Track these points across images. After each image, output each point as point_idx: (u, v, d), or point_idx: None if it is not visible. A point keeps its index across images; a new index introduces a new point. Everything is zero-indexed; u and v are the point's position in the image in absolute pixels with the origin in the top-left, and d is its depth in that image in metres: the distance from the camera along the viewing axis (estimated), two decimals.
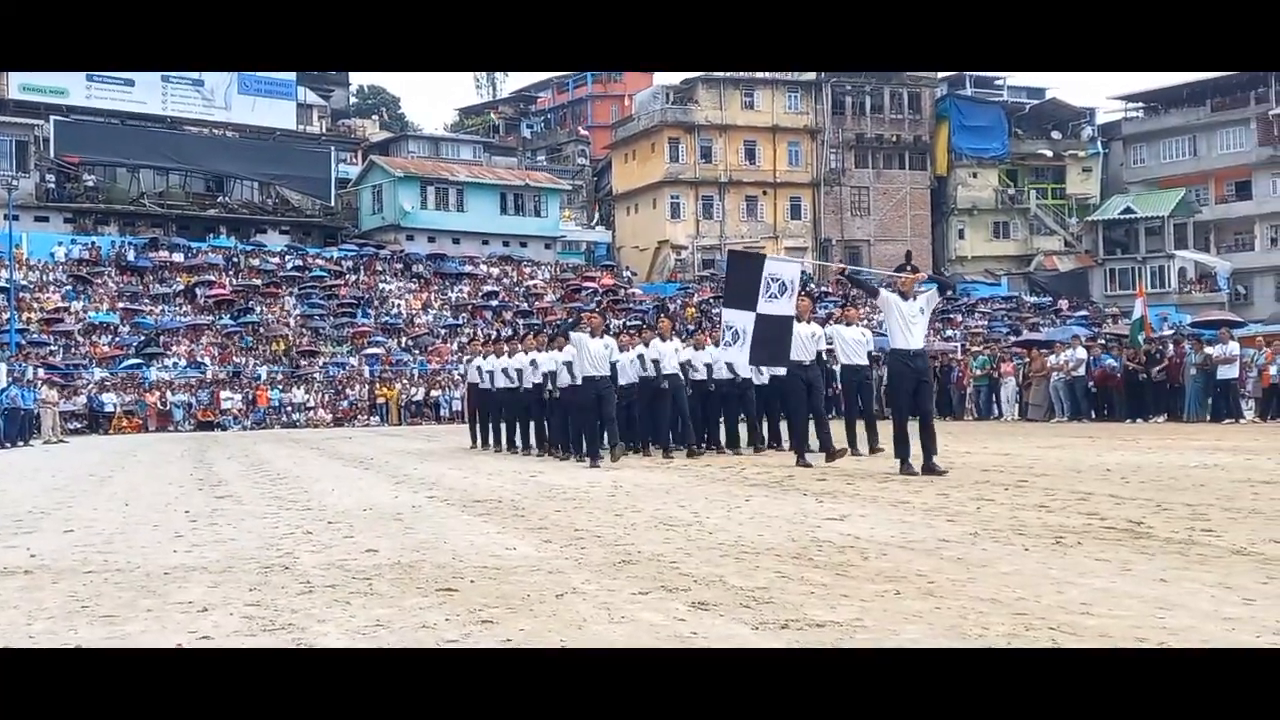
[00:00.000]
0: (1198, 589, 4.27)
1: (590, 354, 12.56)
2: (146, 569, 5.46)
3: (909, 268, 10.14)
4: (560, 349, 13.65)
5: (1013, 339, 37.99)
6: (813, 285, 40.61)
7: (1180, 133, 55.30)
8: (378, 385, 37.23)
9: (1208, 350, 20.71)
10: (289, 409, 35.48)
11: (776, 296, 10.68)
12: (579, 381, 12.81)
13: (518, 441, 15.98)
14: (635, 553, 5.55)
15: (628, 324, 19.23)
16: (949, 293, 12.43)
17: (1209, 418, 20.18)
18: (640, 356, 13.48)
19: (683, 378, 13.62)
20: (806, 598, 4.29)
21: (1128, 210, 54.18)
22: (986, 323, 47.56)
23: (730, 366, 13.45)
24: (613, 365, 12.98)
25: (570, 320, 16.07)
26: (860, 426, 13.26)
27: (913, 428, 9.85)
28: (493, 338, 19.31)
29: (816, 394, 12.07)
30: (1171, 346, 22.09)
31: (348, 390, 37.04)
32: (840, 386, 14.76)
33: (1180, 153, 55.38)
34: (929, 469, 9.54)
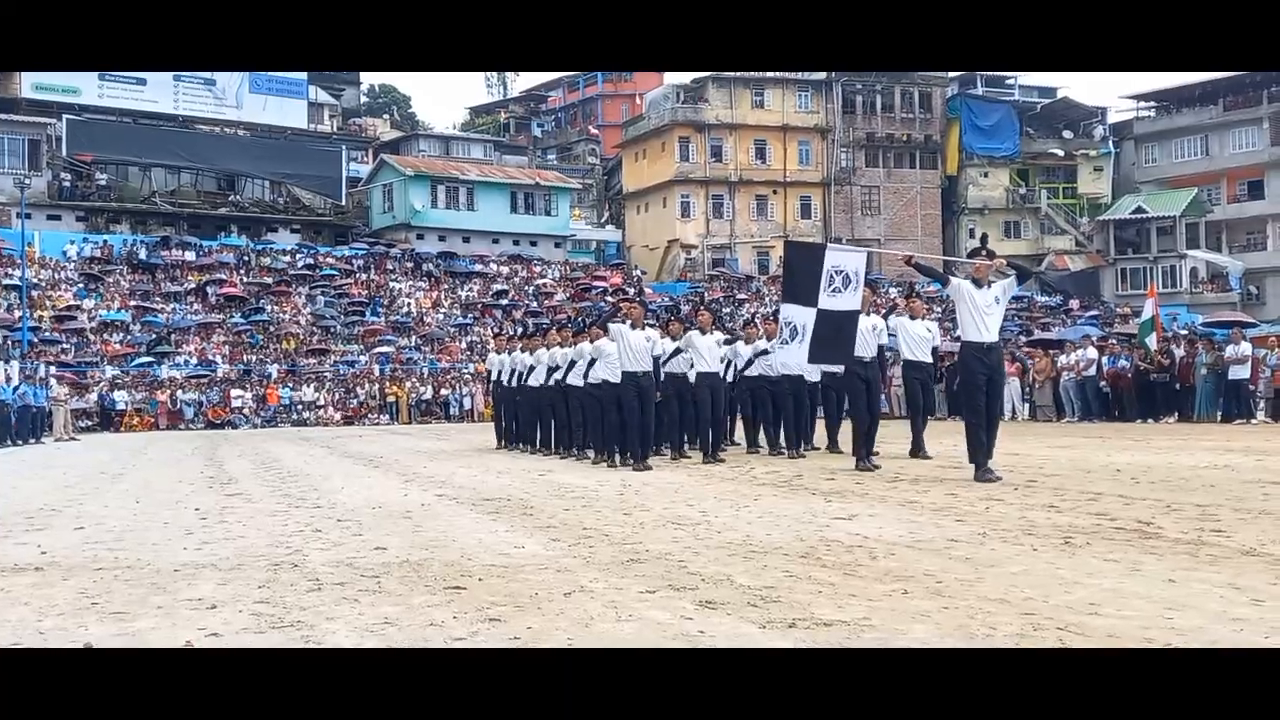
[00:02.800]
0: (1207, 590, 4.26)
1: (631, 347, 11.60)
2: (157, 566, 5.48)
3: (984, 252, 9.40)
4: (593, 340, 12.58)
5: (1024, 339, 37.88)
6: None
7: (1192, 132, 55.06)
8: (388, 384, 37.32)
9: (1219, 350, 20.66)
10: (299, 407, 35.57)
11: (840, 290, 9.95)
12: (613, 378, 11.88)
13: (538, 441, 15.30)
14: (643, 551, 5.56)
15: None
16: (1028, 281, 11.24)
17: (1220, 418, 20.12)
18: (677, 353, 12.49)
19: (722, 375, 12.86)
20: (814, 597, 4.29)
21: (1139, 210, 53.95)
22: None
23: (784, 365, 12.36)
24: (655, 359, 12.08)
25: (594, 314, 15.39)
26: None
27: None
28: (516, 334, 18.82)
29: (874, 393, 11.32)
30: (1184, 347, 21.99)
31: (358, 389, 37.12)
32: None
33: (1192, 152, 55.15)
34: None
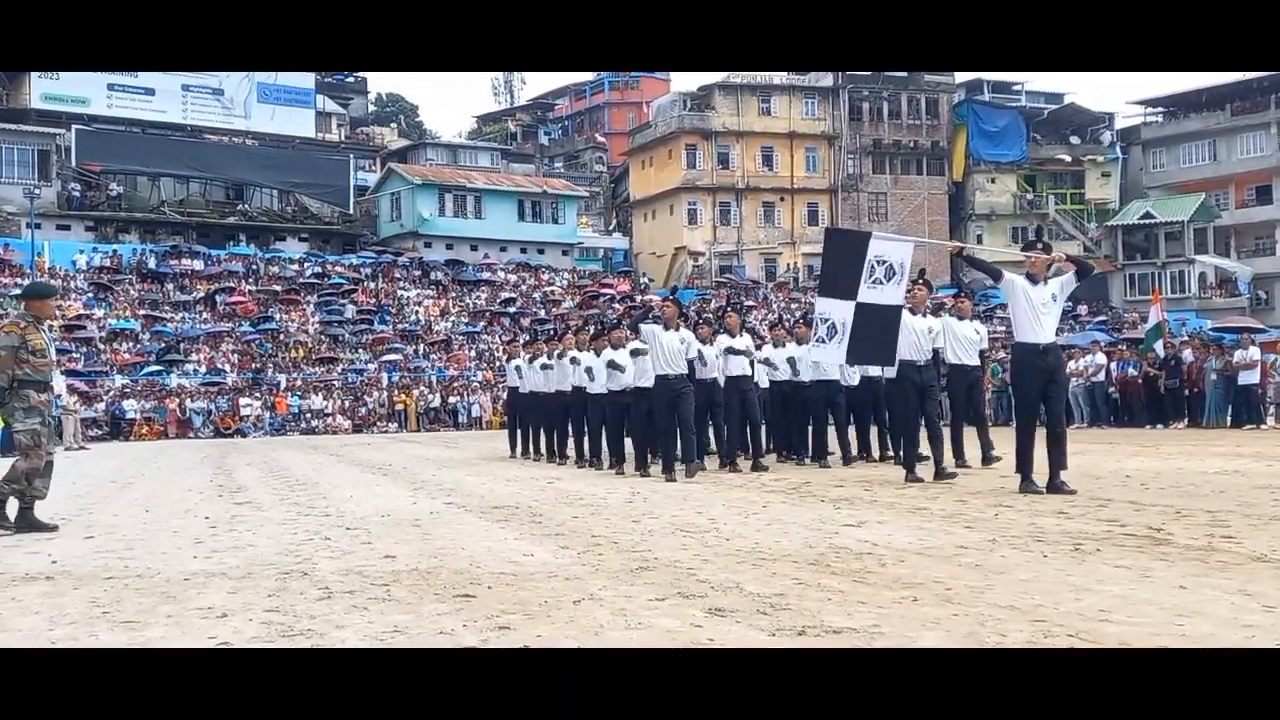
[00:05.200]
0: (1218, 596, 4.25)
1: (664, 349, 11.01)
2: (167, 575, 5.49)
3: (1040, 246, 8.77)
4: (618, 346, 12.10)
5: None
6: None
7: (1200, 137, 54.93)
8: (396, 392, 37.36)
9: (1229, 356, 20.61)
10: (308, 415, 35.63)
11: (882, 282, 9.10)
12: (641, 382, 11.35)
13: (550, 448, 14.92)
14: (652, 559, 5.55)
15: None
16: (1088, 277, 10.02)
17: (1230, 423, 20.05)
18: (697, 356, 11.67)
19: (753, 378, 12.34)
20: (824, 604, 4.29)
21: (1147, 215, 53.87)
22: (1005, 328, 47.32)
23: (818, 366, 12.00)
24: (690, 363, 11.38)
25: (623, 317, 14.60)
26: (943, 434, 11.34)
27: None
28: (532, 339, 18.23)
29: (929, 400, 10.42)
30: (1190, 354, 21.92)
31: (366, 397, 37.18)
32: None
33: (1200, 157, 55.02)
34: (1054, 487, 8.23)
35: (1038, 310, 8.38)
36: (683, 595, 4.55)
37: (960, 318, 11.59)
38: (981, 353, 12.16)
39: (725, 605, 4.31)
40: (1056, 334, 8.79)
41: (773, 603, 4.33)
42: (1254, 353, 20.30)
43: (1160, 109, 57.82)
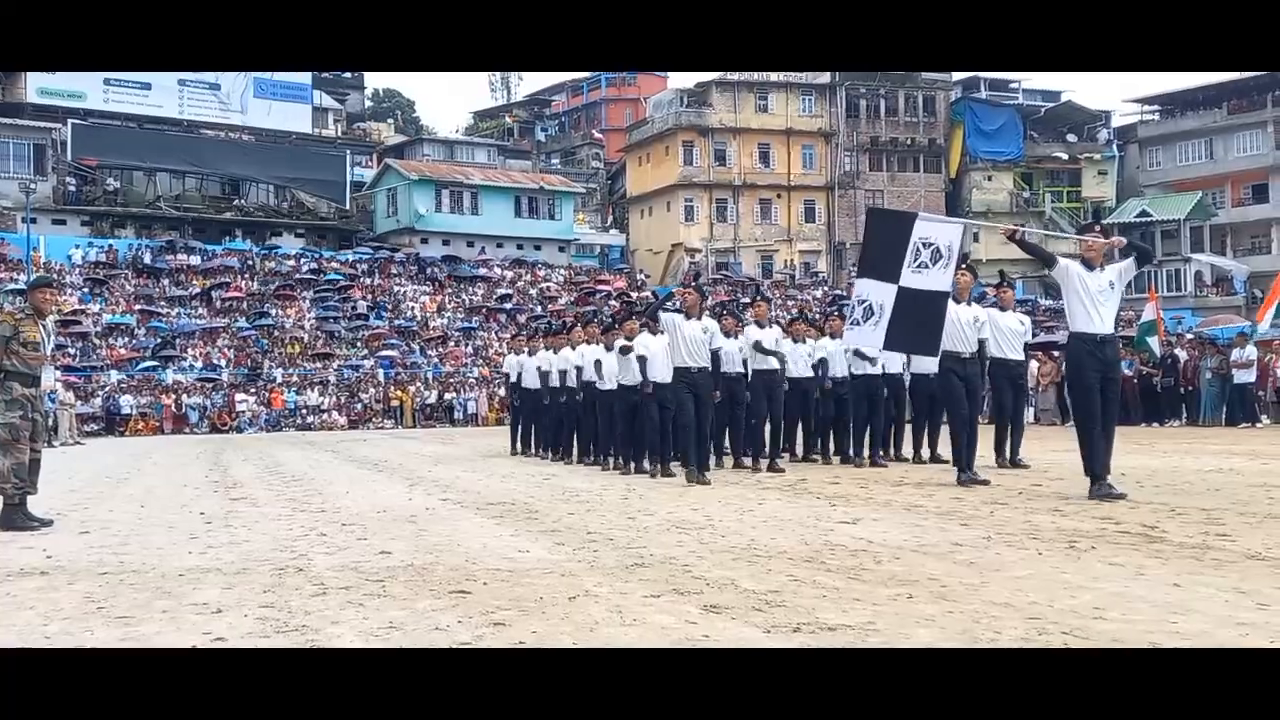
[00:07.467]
0: (1212, 594, 4.25)
1: (685, 340, 10.25)
2: (162, 570, 5.49)
3: (1097, 229, 8.26)
4: (631, 337, 11.26)
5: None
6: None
7: (1196, 135, 55.04)
8: (392, 388, 37.35)
9: (1224, 355, 20.64)
10: (304, 411, 35.61)
11: (928, 265, 8.51)
12: (658, 377, 10.72)
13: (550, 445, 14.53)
14: (647, 556, 5.56)
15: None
16: (1148, 264, 9.21)
17: (1225, 422, 20.08)
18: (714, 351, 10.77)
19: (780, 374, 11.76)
20: (819, 601, 4.29)
21: (1144, 213, 53.93)
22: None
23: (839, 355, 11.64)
24: (714, 354, 10.61)
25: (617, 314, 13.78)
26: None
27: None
28: (535, 332, 17.70)
29: (973, 397, 9.80)
30: (1184, 354, 21.93)
31: (362, 393, 37.16)
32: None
33: (1196, 155, 55.11)
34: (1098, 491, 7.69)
35: (1095, 298, 7.79)
36: (678, 592, 4.55)
37: (1003, 308, 10.91)
38: (1026, 345, 11.52)
39: (720, 602, 4.31)
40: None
41: (768, 599, 4.33)
42: (1250, 352, 20.34)
43: (1157, 107, 57.92)
